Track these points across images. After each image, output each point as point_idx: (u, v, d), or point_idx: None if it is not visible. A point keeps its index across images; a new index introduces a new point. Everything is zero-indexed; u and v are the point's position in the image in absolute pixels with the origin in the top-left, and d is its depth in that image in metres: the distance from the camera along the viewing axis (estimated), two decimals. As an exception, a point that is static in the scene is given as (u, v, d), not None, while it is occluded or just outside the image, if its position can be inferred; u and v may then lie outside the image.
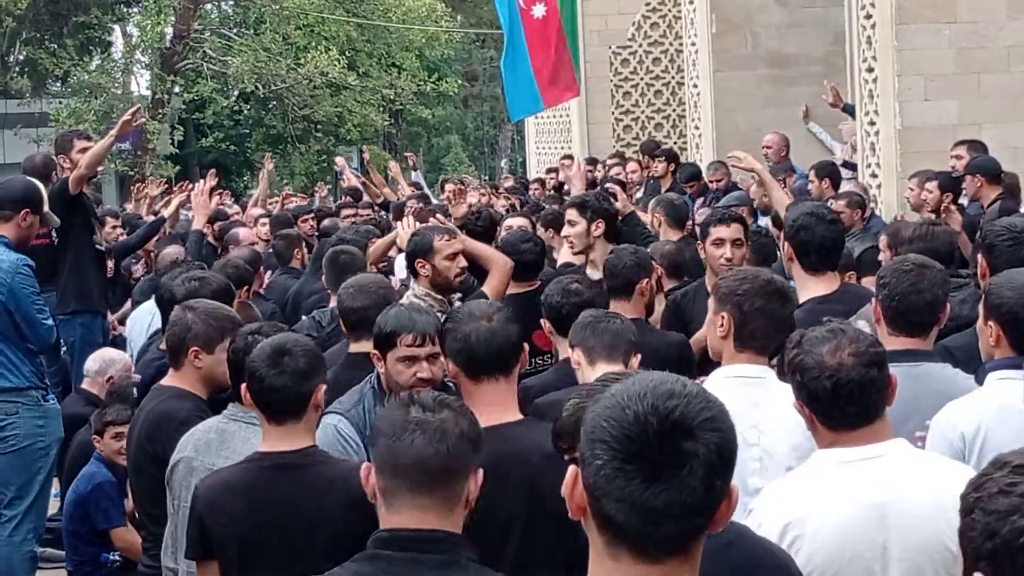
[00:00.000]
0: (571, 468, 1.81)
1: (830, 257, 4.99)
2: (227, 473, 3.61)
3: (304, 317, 6.81)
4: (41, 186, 6.70)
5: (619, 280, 5.27)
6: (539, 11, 10.33)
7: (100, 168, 7.96)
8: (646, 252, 5.65)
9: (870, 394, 3.02)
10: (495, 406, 3.48)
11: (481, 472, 2.67)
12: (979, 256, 4.50)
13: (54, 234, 7.84)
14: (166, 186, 11.29)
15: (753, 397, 3.65)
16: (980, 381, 3.66)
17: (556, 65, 10.31)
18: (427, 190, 14.32)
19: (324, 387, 3.64)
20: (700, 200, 11.09)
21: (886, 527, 2.94)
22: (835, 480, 3.01)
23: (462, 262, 5.73)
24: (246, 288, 6.35)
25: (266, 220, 10.65)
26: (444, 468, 2.58)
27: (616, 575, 1.76)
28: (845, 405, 3.01)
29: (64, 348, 7.75)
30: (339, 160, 15.91)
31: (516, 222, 7.64)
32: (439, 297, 5.67)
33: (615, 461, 1.71)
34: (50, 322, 6.38)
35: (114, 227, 10.03)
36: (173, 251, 8.35)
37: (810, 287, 4.93)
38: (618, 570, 1.76)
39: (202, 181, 9.06)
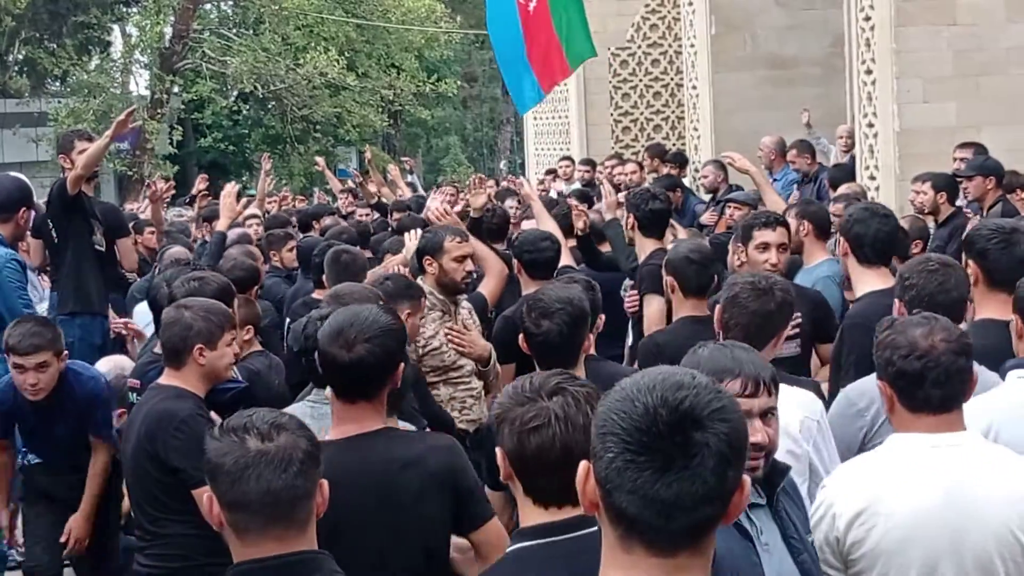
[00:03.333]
0: (583, 463, 1.83)
1: (884, 251, 5.05)
2: None
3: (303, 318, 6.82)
4: (26, 179, 6.76)
5: None
6: (532, 4, 10.41)
7: (98, 168, 7.91)
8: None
9: (956, 382, 3.10)
10: None
11: (326, 483, 2.64)
12: (970, 262, 4.35)
13: (54, 233, 7.85)
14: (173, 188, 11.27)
15: None
16: (1004, 378, 3.70)
17: (548, 53, 10.42)
18: (421, 191, 14.33)
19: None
20: (701, 205, 11.12)
21: (960, 514, 3.00)
22: (913, 464, 3.06)
23: (469, 265, 5.76)
24: (256, 288, 6.58)
25: (252, 220, 10.61)
26: (294, 496, 2.54)
27: (629, 568, 1.77)
28: (931, 388, 3.08)
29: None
30: (320, 161, 15.92)
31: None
32: (441, 297, 5.70)
33: (626, 453, 1.73)
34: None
35: (152, 233, 10.03)
36: (177, 251, 8.34)
37: (866, 280, 5.00)
38: (631, 563, 1.77)
39: (230, 185, 8.93)
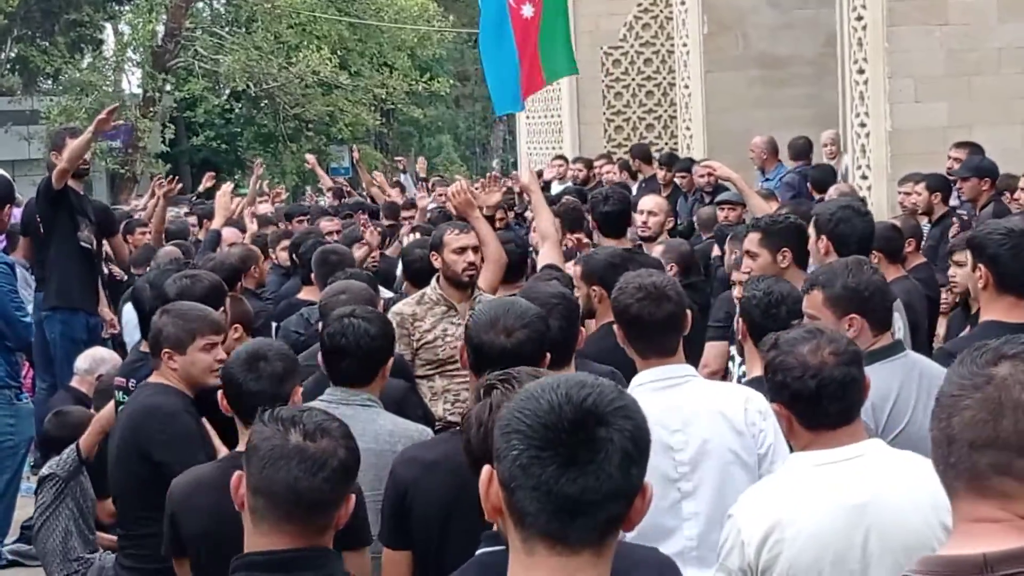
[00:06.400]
0: (485, 468, 1.81)
1: (868, 250, 5.01)
2: (201, 471, 3.61)
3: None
4: (6, 174, 6.80)
5: None
6: (528, 11, 10.34)
7: (85, 166, 7.91)
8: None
9: (851, 393, 3.05)
10: None
11: (354, 497, 2.63)
12: (980, 266, 4.24)
13: (40, 228, 7.85)
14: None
15: (672, 401, 3.63)
16: None
17: (532, 61, 10.42)
18: (413, 189, 14.32)
19: (300, 389, 3.67)
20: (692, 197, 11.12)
21: (866, 527, 2.94)
22: (814, 482, 3.01)
23: (470, 256, 5.76)
24: (239, 284, 6.57)
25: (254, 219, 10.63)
26: (318, 500, 2.53)
27: (532, 571, 1.75)
28: (828, 404, 3.02)
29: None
30: (310, 158, 15.93)
31: None
32: (443, 293, 5.75)
33: (530, 450, 1.72)
34: (28, 319, 6.37)
35: (142, 233, 10.03)
36: (169, 251, 8.33)
37: None
38: (534, 566, 1.75)
39: (226, 185, 8.94)
